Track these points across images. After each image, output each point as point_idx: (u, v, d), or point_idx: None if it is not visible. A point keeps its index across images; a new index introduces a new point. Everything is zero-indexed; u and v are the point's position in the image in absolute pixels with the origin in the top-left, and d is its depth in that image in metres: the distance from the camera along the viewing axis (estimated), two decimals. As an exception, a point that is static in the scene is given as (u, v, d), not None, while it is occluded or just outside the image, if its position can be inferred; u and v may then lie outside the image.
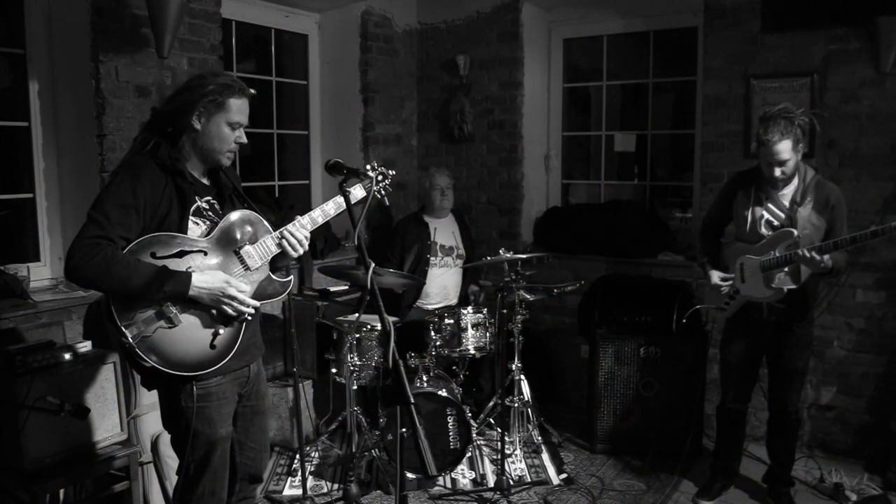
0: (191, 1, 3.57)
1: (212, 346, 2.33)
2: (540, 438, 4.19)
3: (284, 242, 2.45)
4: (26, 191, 3.51)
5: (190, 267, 2.28)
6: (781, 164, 3.10)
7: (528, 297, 4.04)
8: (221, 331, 2.35)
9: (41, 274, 3.52)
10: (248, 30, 4.69)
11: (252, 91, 2.43)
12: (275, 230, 2.47)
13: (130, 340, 2.19)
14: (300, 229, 2.48)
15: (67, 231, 3.53)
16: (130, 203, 2.21)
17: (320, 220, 2.54)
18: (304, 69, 5.07)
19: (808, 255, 3.00)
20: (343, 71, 5.01)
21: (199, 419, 2.38)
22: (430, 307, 4.45)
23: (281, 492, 3.64)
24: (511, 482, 3.65)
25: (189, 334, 2.29)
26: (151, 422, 3.26)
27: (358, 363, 3.78)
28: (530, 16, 4.98)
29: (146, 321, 2.22)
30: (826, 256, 2.99)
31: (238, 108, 2.36)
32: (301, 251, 2.49)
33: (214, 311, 2.33)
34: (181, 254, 2.27)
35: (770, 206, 3.25)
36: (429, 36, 5.26)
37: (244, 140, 2.42)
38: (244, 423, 2.61)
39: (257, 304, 2.40)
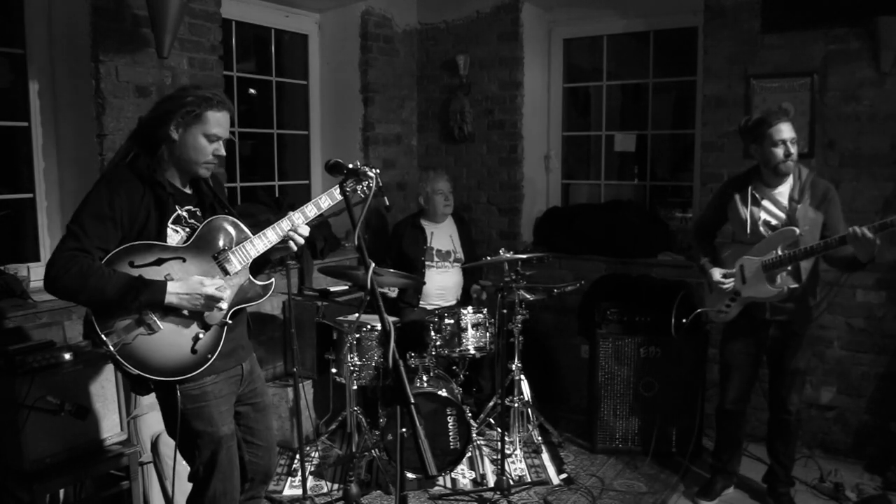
0: (191, 1, 3.57)
1: (193, 351, 2.34)
2: (540, 438, 4.19)
3: (291, 233, 2.46)
4: (26, 191, 3.50)
5: (168, 274, 2.28)
6: (794, 142, 3.14)
7: (528, 297, 4.03)
8: (202, 335, 2.36)
9: (41, 274, 3.49)
10: (248, 30, 4.69)
11: (231, 106, 2.41)
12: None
13: (111, 348, 2.20)
14: (299, 220, 2.49)
15: (67, 231, 3.52)
16: (107, 215, 2.22)
17: (312, 215, 2.53)
18: (304, 69, 5.07)
19: (860, 232, 2.85)
20: (343, 71, 5.01)
21: (200, 419, 2.40)
22: (430, 307, 4.45)
23: (281, 492, 3.64)
24: (511, 482, 3.64)
25: (169, 340, 2.30)
26: (151, 422, 3.26)
27: (358, 363, 3.78)
28: (530, 16, 4.98)
29: (126, 329, 2.23)
30: (875, 237, 2.85)
31: (216, 120, 2.35)
32: (300, 241, 2.49)
33: (192, 315, 2.33)
34: (159, 261, 2.28)
35: (767, 205, 3.26)
36: (429, 36, 5.26)
37: (222, 153, 2.41)
38: (248, 422, 2.62)
39: (226, 295, 2.36)
